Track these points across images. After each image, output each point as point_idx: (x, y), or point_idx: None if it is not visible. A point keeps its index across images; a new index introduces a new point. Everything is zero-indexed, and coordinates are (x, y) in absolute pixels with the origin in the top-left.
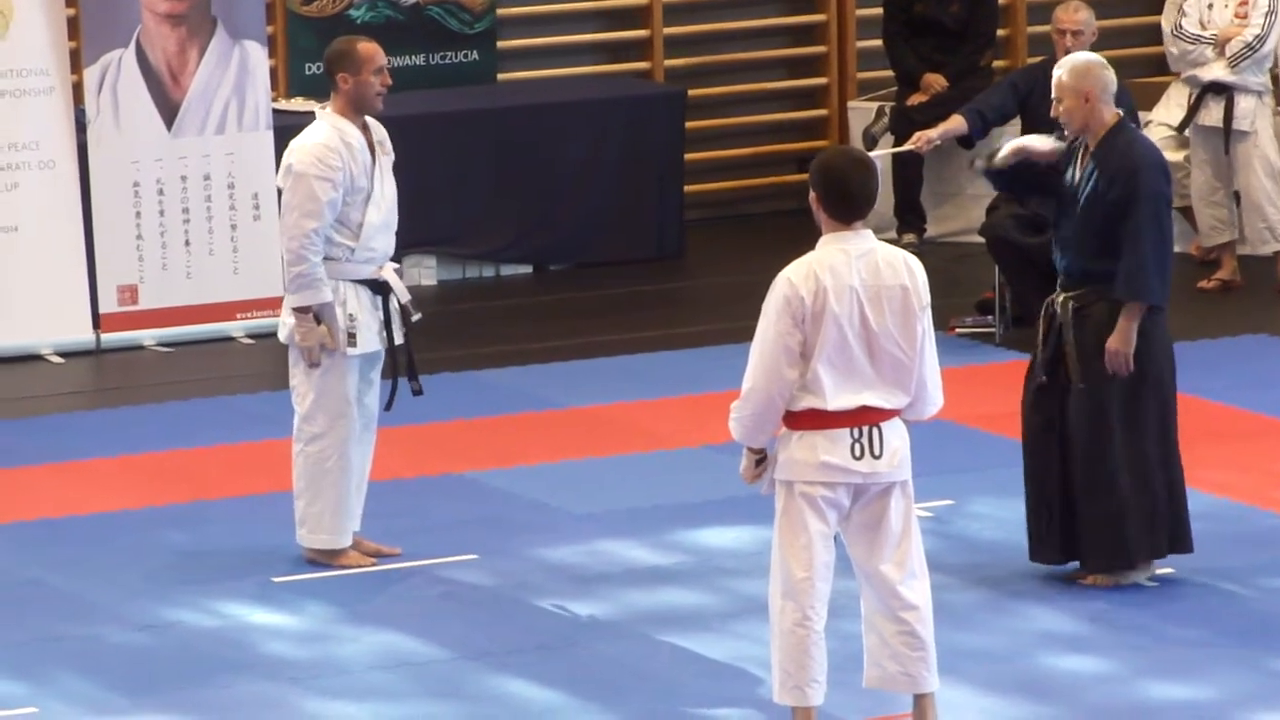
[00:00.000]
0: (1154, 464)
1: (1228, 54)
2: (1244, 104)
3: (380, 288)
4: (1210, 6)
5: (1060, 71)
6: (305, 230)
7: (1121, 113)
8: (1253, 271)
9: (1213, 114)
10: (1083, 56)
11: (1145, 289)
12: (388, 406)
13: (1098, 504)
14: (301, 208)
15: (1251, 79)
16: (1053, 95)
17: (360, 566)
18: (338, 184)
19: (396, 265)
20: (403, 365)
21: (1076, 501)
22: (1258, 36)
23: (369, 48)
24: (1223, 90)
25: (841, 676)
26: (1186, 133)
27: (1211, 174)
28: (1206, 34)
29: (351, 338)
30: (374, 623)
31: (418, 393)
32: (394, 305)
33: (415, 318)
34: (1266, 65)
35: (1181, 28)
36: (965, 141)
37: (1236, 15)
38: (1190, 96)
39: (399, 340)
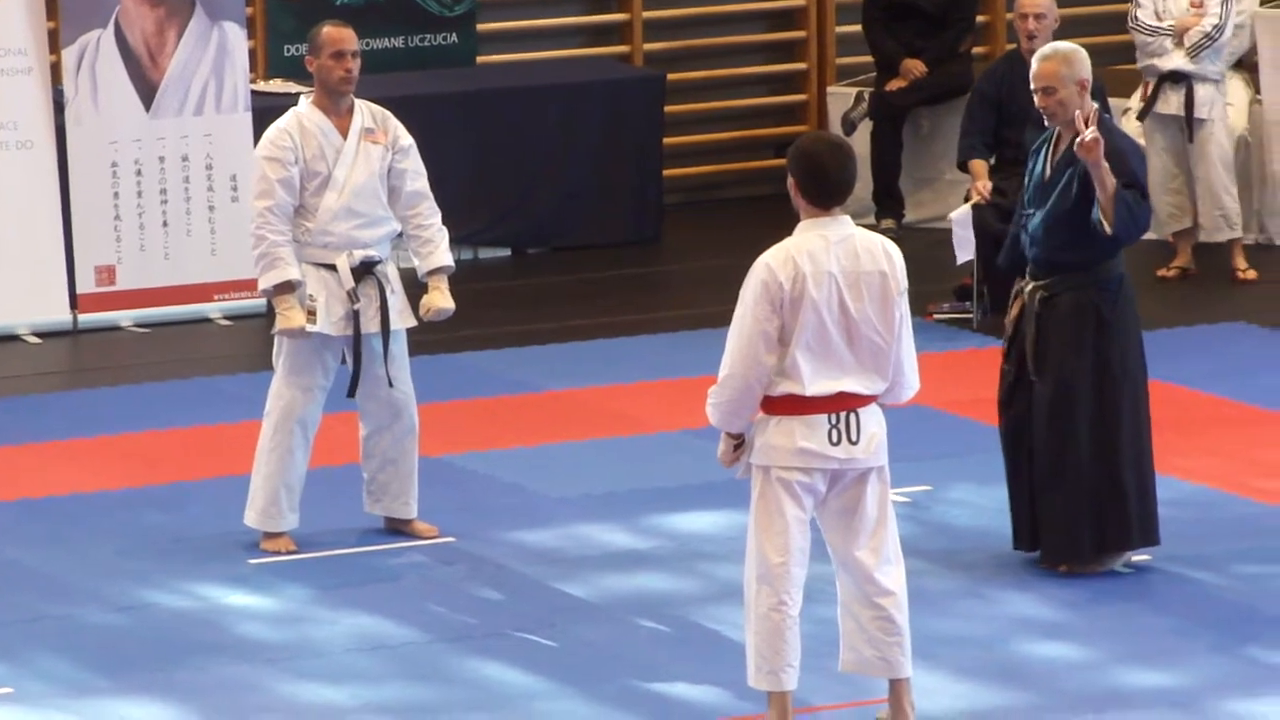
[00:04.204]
0: (1125, 456)
1: (1186, 44)
2: (1202, 93)
3: (369, 276)
4: None
5: (1049, 62)
6: (258, 209)
7: (1097, 105)
8: (1206, 260)
9: (1170, 103)
10: (1067, 45)
11: (1121, 221)
12: (349, 393)
13: (1053, 498)
14: (256, 188)
15: (1210, 68)
16: (1039, 86)
17: (276, 554)
18: (286, 164)
19: (370, 255)
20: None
21: (1036, 494)
22: (1216, 26)
23: (333, 32)
24: (1181, 79)
25: (817, 661)
26: (1142, 122)
27: (1171, 161)
28: (1164, 25)
29: (311, 315)
30: (350, 605)
31: (350, 395)
32: (389, 296)
33: (355, 306)
34: (1224, 54)
35: (1138, 19)
36: None
37: (1191, 4)
38: (1148, 86)
39: (371, 329)
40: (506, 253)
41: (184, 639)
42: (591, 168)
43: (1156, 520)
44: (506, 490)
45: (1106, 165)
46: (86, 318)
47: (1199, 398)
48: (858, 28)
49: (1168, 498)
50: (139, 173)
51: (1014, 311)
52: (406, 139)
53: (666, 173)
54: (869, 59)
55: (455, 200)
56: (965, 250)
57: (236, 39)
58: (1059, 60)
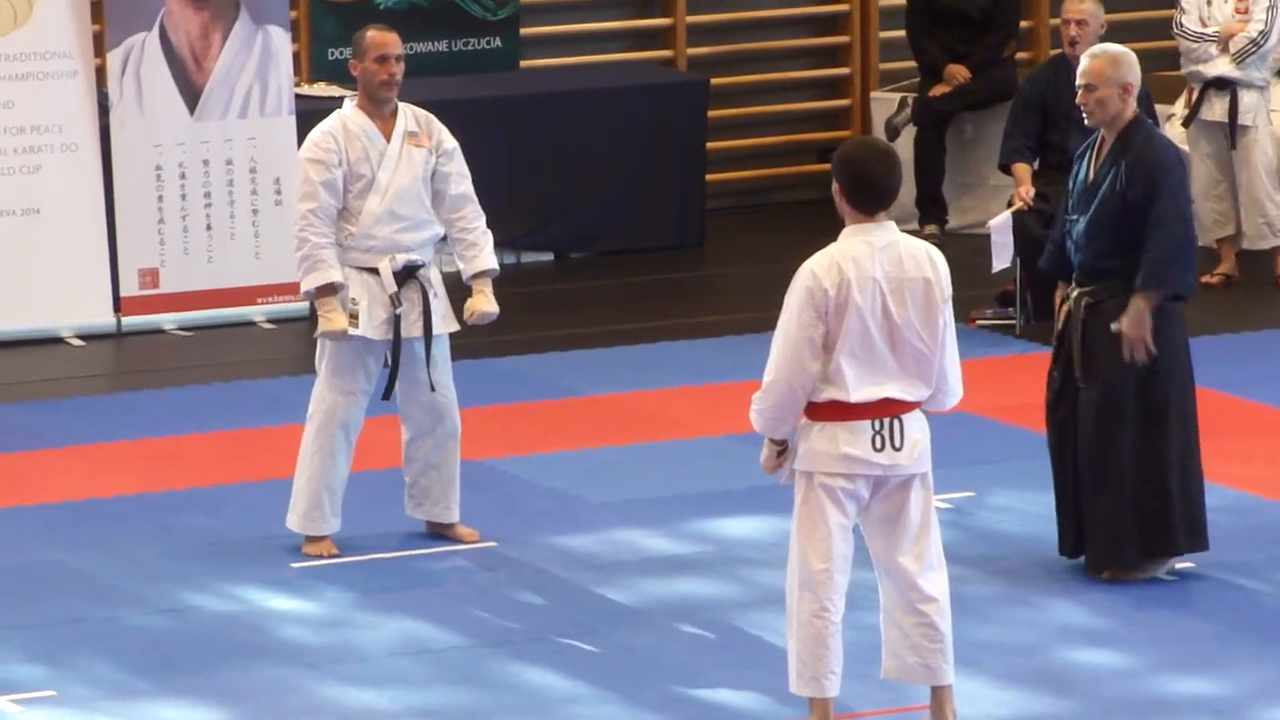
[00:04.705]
0: (1171, 462)
1: (1232, 50)
2: (1247, 99)
3: (412, 280)
4: (1210, 3)
5: (1096, 61)
6: (301, 211)
7: (1139, 109)
8: (1250, 266)
9: (1215, 109)
10: (1117, 47)
11: (1171, 278)
12: (385, 396)
13: (1098, 503)
14: (299, 191)
15: (1255, 74)
16: (1082, 83)
17: (317, 558)
18: (330, 166)
19: (413, 260)
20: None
21: (1081, 500)
22: (1262, 32)
23: (377, 36)
24: (1225, 85)
25: (859, 668)
26: (1187, 129)
27: (1214, 168)
28: (1209, 31)
29: (353, 319)
30: (392, 609)
31: (385, 398)
32: (432, 300)
33: (398, 310)
34: (1269, 60)
35: (1182, 25)
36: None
37: (1237, 10)
38: (1192, 92)
39: (413, 333)
40: (549, 257)
41: (226, 642)
42: (635, 172)
43: (1204, 526)
44: (548, 495)
45: (1142, 316)
46: (130, 320)
47: (1242, 404)
48: (901, 33)
49: (1211, 504)
50: (183, 176)
51: (1061, 315)
52: (450, 142)
53: (710, 177)
54: (913, 64)
55: (498, 204)
56: (1002, 257)
57: (281, 42)
58: (1106, 60)
